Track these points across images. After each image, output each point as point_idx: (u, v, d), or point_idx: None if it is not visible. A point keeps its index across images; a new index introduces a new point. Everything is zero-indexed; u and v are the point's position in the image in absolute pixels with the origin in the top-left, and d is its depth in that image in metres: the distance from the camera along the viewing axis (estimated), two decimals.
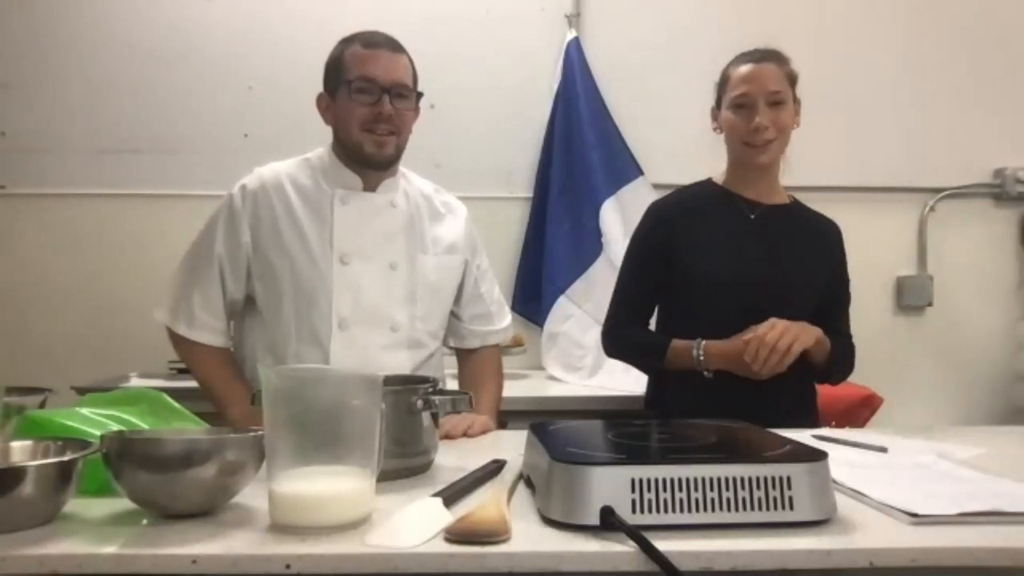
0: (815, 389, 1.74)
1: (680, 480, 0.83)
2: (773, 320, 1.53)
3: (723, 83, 1.71)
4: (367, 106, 1.52)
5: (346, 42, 1.57)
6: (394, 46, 1.56)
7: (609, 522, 0.80)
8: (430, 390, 1.12)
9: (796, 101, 1.68)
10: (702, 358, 1.59)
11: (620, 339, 1.75)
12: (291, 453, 0.84)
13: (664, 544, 0.76)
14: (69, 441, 0.92)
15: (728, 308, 1.61)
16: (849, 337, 1.75)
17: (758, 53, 1.68)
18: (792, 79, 1.68)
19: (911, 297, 2.81)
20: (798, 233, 1.71)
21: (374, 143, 1.54)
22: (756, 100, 1.62)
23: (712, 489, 0.83)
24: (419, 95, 1.60)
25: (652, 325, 1.79)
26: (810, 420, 1.66)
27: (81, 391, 1.89)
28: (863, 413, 2.18)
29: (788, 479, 0.84)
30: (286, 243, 1.55)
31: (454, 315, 1.73)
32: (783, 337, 1.50)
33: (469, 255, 1.72)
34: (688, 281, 1.67)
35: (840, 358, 1.67)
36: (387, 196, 1.62)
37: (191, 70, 2.67)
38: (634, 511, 0.82)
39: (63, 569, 0.76)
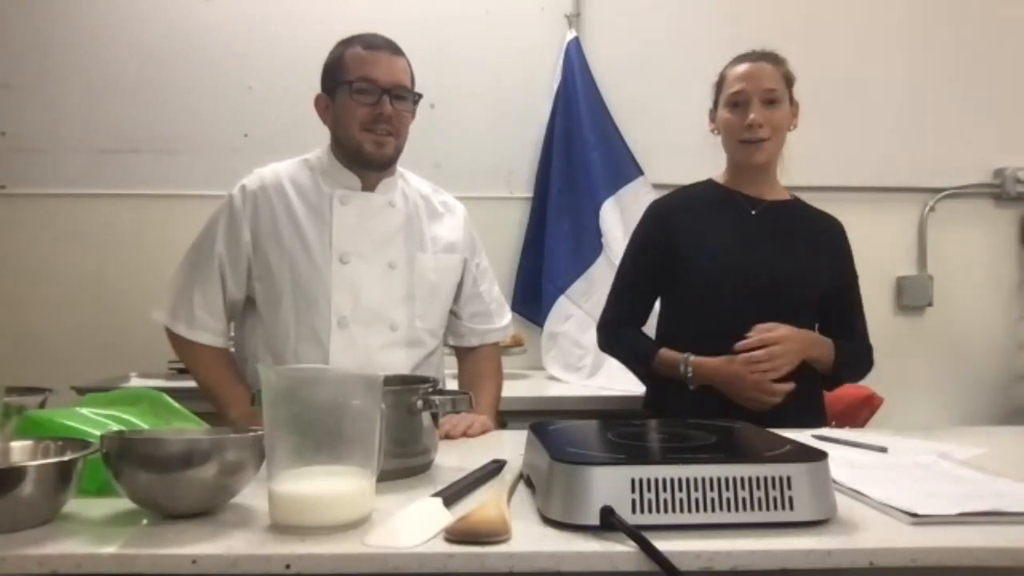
0: (821, 393, 1.72)
1: (680, 480, 0.83)
2: (762, 341, 1.54)
3: (719, 83, 1.72)
4: (367, 106, 1.52)
5: (345, 43, 1.57)
6: (393, 48, 1.57)
7: (609, 522, 0.80)
8: (430, 390, 1.12)
9: (794, 103, 1.69)
10: (690, 374, 1.59)
11: (614, 337, 1.77)
12: (291, 453, 0.84)
13: (664, 544, 0.76)
14: (69, 441, 0.92)
15: (730, 303, 1.61)
16: (865, 337, 1.73)
17: (755, 54, 1.69)
18: (788, 80, 1.68)
19: (911, 297, 2.81)
20: (800, 229, 1.71)
21: (373, 143, 1.54)
22: (750, 97, 1.63)
23: (712, 489, 0.83)
24: (418, 97, 1.60)
25: (652, 320, 1.80)
26: (816, 424, 1.61)
27: (81, 391, 1.89)
28: (863, 413, 2.18)
29: (788, 479, 0.84)
30: (286, 243, 1.55)
31: (453, 314, 1.73)
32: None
33: (468, 254, 1.72)
34: (689, 276, 1.67)
35: (849, 360, 1.66)
36: (386, 196, 1.62)
37: (191, 70, 2.67)
38: (634, 511, 0.82)
39: (63, 569, 0.76)
